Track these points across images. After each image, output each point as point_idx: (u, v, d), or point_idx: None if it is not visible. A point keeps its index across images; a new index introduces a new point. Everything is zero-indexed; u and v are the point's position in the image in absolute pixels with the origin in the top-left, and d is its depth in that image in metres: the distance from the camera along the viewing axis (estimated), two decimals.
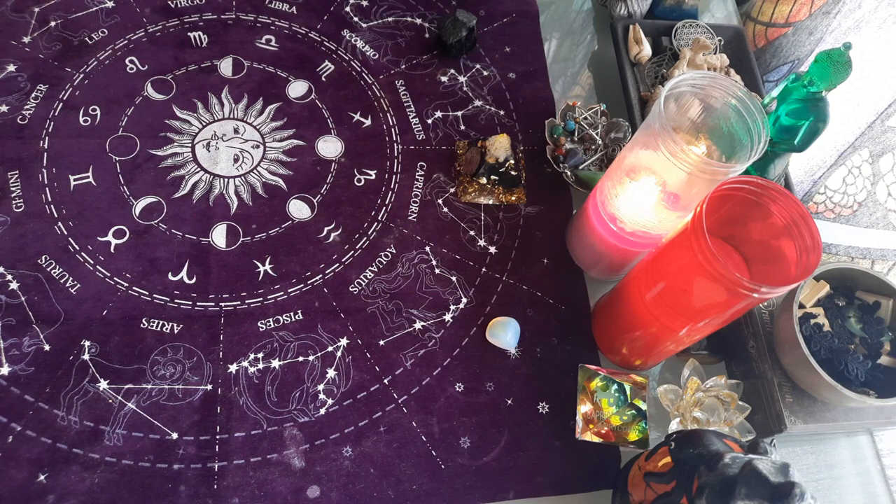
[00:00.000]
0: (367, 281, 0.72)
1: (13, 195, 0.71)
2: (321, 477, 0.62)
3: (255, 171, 0.77)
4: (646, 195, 0.61)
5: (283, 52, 0.85)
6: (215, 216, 0.73)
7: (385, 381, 0.67)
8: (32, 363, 0.63)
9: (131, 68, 0.81)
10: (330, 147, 0.80)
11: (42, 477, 0.59)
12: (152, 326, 0.66)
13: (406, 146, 0.81)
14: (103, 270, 0.69)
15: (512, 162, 0.79)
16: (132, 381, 0.64)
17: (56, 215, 0.71)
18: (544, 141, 0.82)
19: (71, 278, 0.67)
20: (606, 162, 0.80)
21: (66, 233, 0.70)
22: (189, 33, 0.84)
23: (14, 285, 0.66)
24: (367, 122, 0.82)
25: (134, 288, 0.68)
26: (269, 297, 0.70)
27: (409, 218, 0.77)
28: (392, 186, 0.78)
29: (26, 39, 0.80)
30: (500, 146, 0.78)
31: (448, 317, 0.71)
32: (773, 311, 0.69)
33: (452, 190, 0.79)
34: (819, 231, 0.51)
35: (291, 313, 0.69)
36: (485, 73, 0.88)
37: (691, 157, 0.52)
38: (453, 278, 0.73)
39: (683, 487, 0.50)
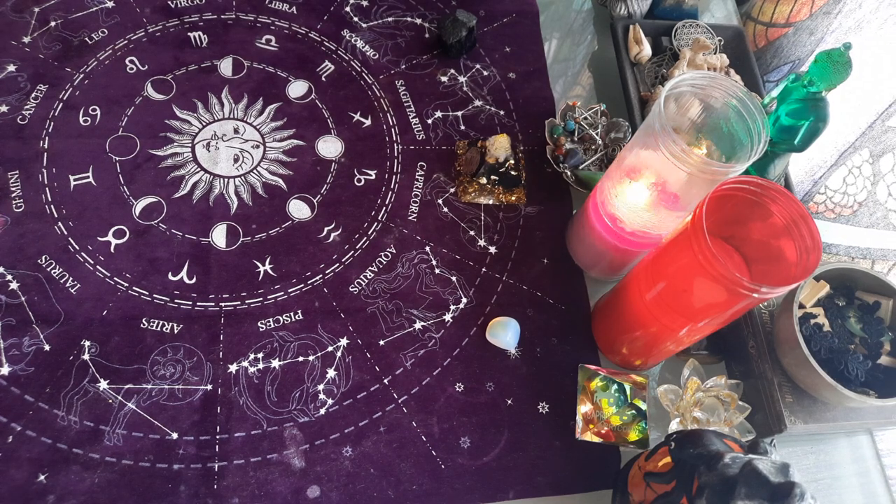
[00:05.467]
0: (367, 281, 0.72)
1: (13, 195, 0.71)
2: (321, 477, 0.62)
3: (255, 171, 0.77)
4: (646, 195, 0.61)
5: (283, 52, 0.85)
6: (215, 216, 0.73)
7: (385, 381, 0.67)
8: (32, 363, 0.63)
9: (131, 68, 0.81)
10: (330, 147, 0.80)
11: (42, 477, 0.59)
12: (152, 326, 0.66)
13: (406, 146, 0.81)
14: (103, 270, 0.69)
15: (512, 162, 0.79)
16: (132, 381, 0.64)
17: (56, 215, 0.71)
18: (544, 141, 0.82)
19: (71, 278, 0.68)
20: (606, 162, 0.80)
21: (66, 233, 0.70)
22: (189, 33, 0.84)
23: (14, 285, 0.66)
24: (367, 122, 0.82)
25: (134, 288, 0.68)
26: (269, 297, 0.70)
27: (409, 218, 0.77)
28: (392, 186, 0.78)
29: (26, 39, 0.80)
30: (500, 146, 0.78)
31: (448, 317, 0.71)
32: (773, 311, 0.69)
33: (452, 190, 0.79)
34: (819, 231, 0.51)
35: (291, 313, 0.69)
36: (485, 73, 0.88)
37: (691, 157, 0.52)
38: (453, 278, 0.73)
39: (683, 487, 0.50)
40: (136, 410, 0.62)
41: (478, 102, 0.86)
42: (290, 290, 0.70)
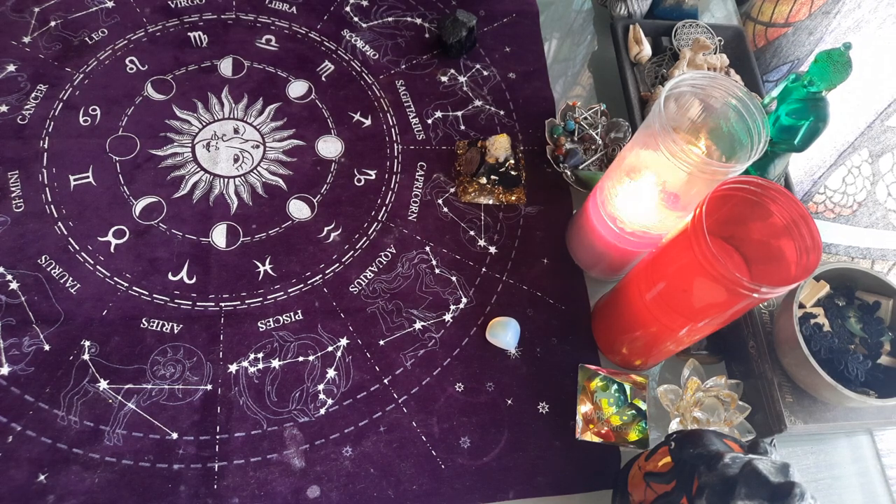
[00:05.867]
0: (367, 281, 0.72)
1: (13, 195, 0.71)
2: (321, 477, 0.62)
3: (255, 171, 0.77)
4: (646, 195, 0.61)
5: (283, 52, 0.85)
6: (215, 216, 0.73)
7: (385, 381, 0.67)
8: (32, 363, 0.63)
9: (131, 68, 0.81)
10: (330, 147, 0.80)
11: (42, 477, 0.59)
12: (152, 326, 0.66)
13: (406, 146, 0.81)
14: (103, 270, 0.69)
15: (512, 162, 0.79)
16: (132, 381, 0.64)
17: (56, 215, 0.71)
18: (544, 141, 0.82)
19: (71, 278, 0.67)
20: (606, 162, 0.80)
21: (66, 233, 0.70)
22: (189, 33, 0.84)
23: (14, 285, 0.66)
24: (367, 122, 0.82)
25: (134, 288, 0.68)
26: (269, 297, 0.70)
27: (409, 218, 0.77)
28: (392, 186, 0.78)
29: (26, 39, 0.80)
30: (500, 146, 0.78)
31: (448, 317, 0.71)
32: (773, 311, 0.69)
33: (452, 190, 0.79)
34: (819, 231, 0.51)
35: (291, 313, 0.69)
36: (485, 73, 0.88)
37: (691, 157, 0.52)
38: (453, 278, 0.73)
39: (683, 487, 0.50)
40: (136, 410, 0.62)
41: (478, 102, 0.86)
42: (290, 290, 0.70)
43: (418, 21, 0.91)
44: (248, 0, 0.88)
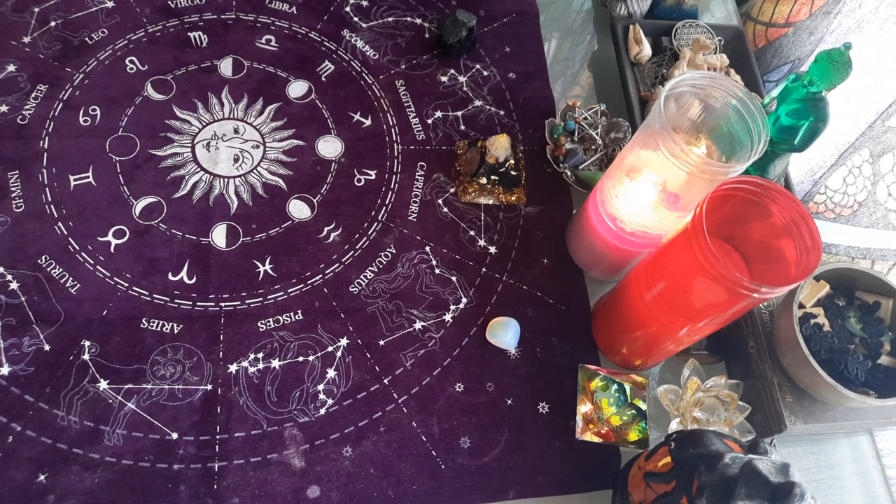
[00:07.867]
0: (367, 281, 0.72)
1: (13, 195, 0.71)
2: (321, 477, 0.62)
3: (255, 171, 0.77)
4: (646, 195, 0.61)
5: (283, 52, 0.85)
6: (215, 216, 0.73)
7: (385, 381, 0.67)
8: (32, 363, 0.63)
9: (131, 68, 0.81)
10: (330, 147, 0.80)
11: (42, 477, 0.59)
12: (152, 326, 0.66)
13: (406, 146, 0.81)
14: (103, 270, 0.69)
15: (512, 162, 0.79)
16: (132, 381, 0.64)
17: (56, 215, 0.71)
18: (544, 141, 0.82)
19: (71, 278, 0.68)
20: (606, 162, 0.80)
21: (66, 233, 0.70)
22: (189, 33, 0.84)
23: (14, 285, 0.66)
24: (367, 122, 0.82)
25: (134, 288, 0.68)
26: (269, 297, 0.70)
27: (409, 218, 0.77)
28: (392, 186, 0.78)
29: (26, 39, 0.80)
30: (500, 146, 0.78)
31: (448, 317, 0.71)
32: (773, 311, 0.69)
33: (452, 190, 0.79)
34: (819, 231, 0.51)
35: (291, 313, 0.69)
36: (485, 73, 0.88)
37: (691, 157, 0.52)
38: (453, 278, 0.73)
39: (683, 487, 0.50)
40: (136, 410, 0.62)
41: (478, 102, 0.86)
42: (290, 290, 0.70)
43: (418, 21, 0.91)
44: (248, 0, 0.88)
